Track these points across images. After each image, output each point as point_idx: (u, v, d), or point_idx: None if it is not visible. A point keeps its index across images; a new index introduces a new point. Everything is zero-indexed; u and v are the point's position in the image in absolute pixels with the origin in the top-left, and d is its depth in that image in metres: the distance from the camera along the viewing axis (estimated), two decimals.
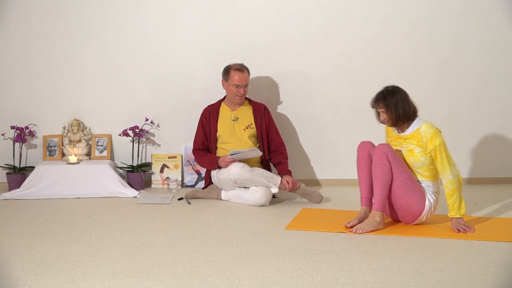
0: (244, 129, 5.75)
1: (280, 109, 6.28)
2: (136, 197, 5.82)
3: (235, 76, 5.67)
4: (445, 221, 4.75)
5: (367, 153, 4.74)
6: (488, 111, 6.26)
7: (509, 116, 6.26)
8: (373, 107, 4.77)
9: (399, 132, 4.80)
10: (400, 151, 4.74)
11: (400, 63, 6.21)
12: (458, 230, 4.54)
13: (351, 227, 4.64)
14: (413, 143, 4.70)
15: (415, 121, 4.72)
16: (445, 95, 6.24)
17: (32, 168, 6.11)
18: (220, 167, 5.63)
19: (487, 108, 6.25)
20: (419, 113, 4.76)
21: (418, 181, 4.71)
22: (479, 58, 6.21)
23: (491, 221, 4.87)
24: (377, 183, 4.60)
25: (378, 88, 4.76)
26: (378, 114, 4.78)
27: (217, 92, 5.96)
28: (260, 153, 5.63)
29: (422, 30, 6.18)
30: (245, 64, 5.77)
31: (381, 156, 4.58)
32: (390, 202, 4.73)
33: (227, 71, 5.74)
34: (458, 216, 4.58)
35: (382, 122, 4.79)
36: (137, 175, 6.13)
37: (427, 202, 4.66)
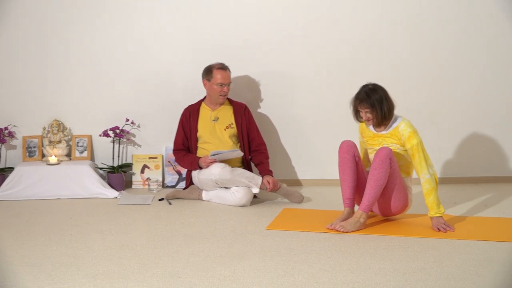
0: (225, 129, 5.74)
1: (261, 109, 6.28)
2: (116, 198, 5.79)
3: (218, 75, 5.66)
4: (425, 221, 4.76)
5: (352, 154, 4.74)
6: (468, 111, 6.27)
7: (489, 116, 6.28)
8: (356, 108, 4.75)
9: (377, 131, 4.81)
10: (376, 150, 4.74)
11: (381, 62, 6.21)
12: (439, 229, 4.55)
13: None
14: (393, 141, 4.73)
15: (393, 119, 4.75)
16: (426, 95, 6.25)
17: (11, 169, 6.06)
18: (201, 168, 5.61)
19: (467, 108, 6.26)
20: (400, 112, 4.80)
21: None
22: (459, 58, 6.22)
23: (471, 220, 4.89)
24: (374, 186, 4.57)
25: (358, 86, 4.76)
26: (356, 113, 4.79)
27: (198, 92, 5.94)
28: (241, 154, 5.63)
29: (402, 30, 6.19)
30: (226, 64, 5.76)
31: (385, 160, 4.56)
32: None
33: (209, 70, 5.73)
34: (438, 215, 4.60)
35: (359, 121, 4.80)
36: (118, 175, 6.10)
37: (409, 199, 4.77)
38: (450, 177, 6.32)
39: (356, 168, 4.75)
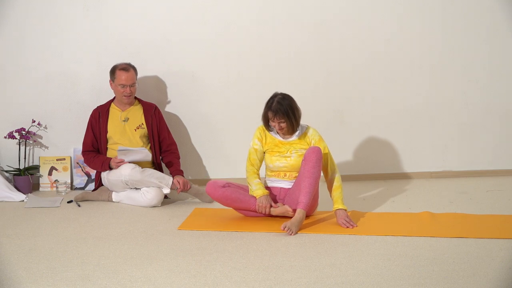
0: (135, 130, 5.69)
1: (171, 109, 6.25)
2: (23, 201, 5.66)
3: (121, 76, 5.61)
4: (333, 218, 4.82)
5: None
6: (378, 110, 6.41)
7: (398, 115, 6.44)
8: (268, 119, 4.77)
9: (285, 138, 4.88)
10: (289, 157, 4.82)
11: (290, 62, 6.28)
12: (344, 223, 4.63)
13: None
14: (301, 147, 4.83)
15: (300, 126, 4.88)
16: (333, 95, 6.34)
17: None
18: (111, 168, 5.54)
19: (377, 107, 6.40)
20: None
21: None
22: (369, 58, 6.35)
23: (379, 216, 4.98)
24: (313, 184, 4.61)
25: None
26: (267, 123, 4.81)
27: (106, 93, 5.88)
28: (149, 157, 5.57)
29: (309, 29, 6.27)
30: (133, 64, 5.72)
31: (321, 158, 4.66)
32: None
33: (113, 71, 5.68)
34: (344, 207, 4.72)
35: (270, 131, 4.84)
36: (24, 178, 5.97)
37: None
38: (358, 174, 6.45)
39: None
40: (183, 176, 5.62)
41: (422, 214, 4.95)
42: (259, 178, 4.89)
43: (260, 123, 4.94)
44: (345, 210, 4.73)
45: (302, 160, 4.71)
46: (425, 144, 6.47)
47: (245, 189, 4.92)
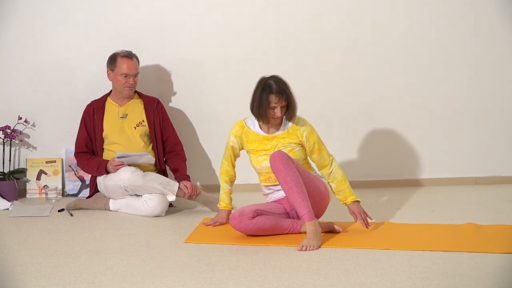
0: (135, 127, 5.71)
1: (175, 103, 6.29)
2: (8, 209, 5.70)
3: (123, 64, 5.63)
4: (360, 228, 4.85)
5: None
6: (414, 109, 6.47)
7: (436, 114, 6.48)
8: (267, 104, 4.76)
9: (270, 132, 4.89)
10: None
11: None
12: (362, 219, 4.75)
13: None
14: (290, 141, 4.86)
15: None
16: (362, 89, 6.37)
17: None
18: (108, 172, 5.56)
19: (414, 106, 6.46)
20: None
21: None
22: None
23: (416, 228, 4.96)
24: (299, 191, 4.56)
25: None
26: (264, 111, 4.79)
27: (103, 86, 5.90)
28: (152, 160, 5.60)
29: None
30: (134, 52, 5.75)
31: (286, 161, 4.61)
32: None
33: (113, 59, 5.69)
34: (357, 199, 4.85)
35: (271, 119, 4.84)
36: (9, 183, 6.02)
37: (325, 183, 4.93)
38: (393, 179, 6.50)
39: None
40: (190, 181, 5.63)
41: (466, 225, 4.93)
42: (230, 182, 5.11)
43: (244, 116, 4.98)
44: (359, 202, 4.82)
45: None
46: (468, 147, 6.50)
47: (275, 208, 4.87)
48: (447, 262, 4.16)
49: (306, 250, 4.43)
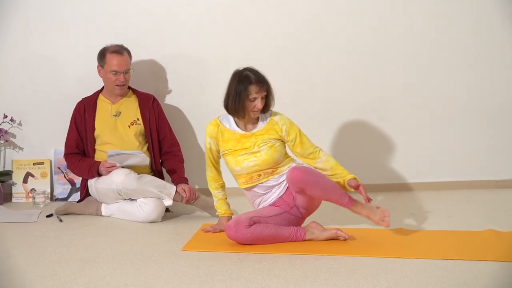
0: (129, 126, 5.69)
1: (171, 100, 6.29)
2: None
3: (113, 61, 5.61)
4: (374, 236, 4.84)
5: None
6: (430, 108, 6.52)
7: (451, 114, 6.52)
8: (246, 96, 4.75)
9: (248, 130, 4.89)
10: (257, 152, 4.82)
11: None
12: (364, 191, 4.79)
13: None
14: (270, 137, 4.87)
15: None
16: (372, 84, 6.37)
17: None
18: (100, 175, 5.53)
19: (428, 105, 6.51)
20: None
21: (277, 174, 4.90)
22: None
23: (432, 234, 4.95)
24: (324, 182, 4.71)
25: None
26: (242, 105, 4.77)
27: (96, 82, 5.87)
28: (147, 160, 5.60)
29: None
30: (127, 46, 5.73)
31: (307, 170, 4.72)
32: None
33: (102, 54, 5.68)
34: (355, 177, 4.89)
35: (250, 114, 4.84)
36: None
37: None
38: (407, 182, 6.54)
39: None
40: (188, 184, 5.61)
41: (485, 232, 4.91)
42: (221, 188, 5.08)
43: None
44: (356, 179, 4.88)
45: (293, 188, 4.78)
46: (488, 147, 6.53)
47: (272, 211, 4.87)
48: (465, 271, 4.12)
49: (387, 220, 4.70)
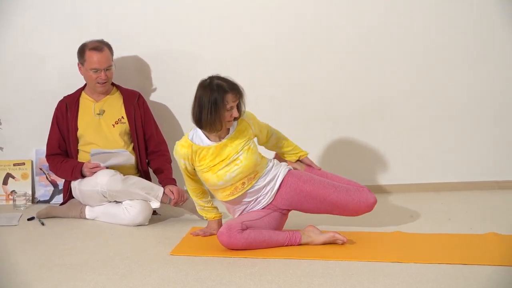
0: (113, 125, 5.70)
1: (157, 97, 6.31)
2: None
3: (92, 58, 5.61)
4: (369, 240, 4.85)
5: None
6: (433, 106, 6.53)
7: (453, 113, 6.54)
8: (223, 106, 4.70)
9: (220, 139, 4.84)
10: (237, 159, 4.81)
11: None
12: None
13: None
14: (243, 139, 4.87)
15: None
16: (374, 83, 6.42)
17: None
18: (84, 176, 5.53)
19: (432, 104, 6.52)
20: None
21: (260, 177, 4.91)
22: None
23: (431, 238, 4.97)
24: (339, 194, 4.93)
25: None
26: (219, 116, 4.72)
27: (79, 79, 5.86)
28: (132, 159, 5.60)
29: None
30: (108, 41, 5.73)
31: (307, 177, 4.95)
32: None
33: (81, 51, 5.68)
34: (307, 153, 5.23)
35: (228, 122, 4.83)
36: None
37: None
38: (407, 183, 6.55)
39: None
40: (176, 185, 5.61)
41: (487, 235, 4.92)
42: (204, 194, 5.07)
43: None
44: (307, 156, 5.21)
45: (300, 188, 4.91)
46: (488, 148, 6.55)
47: (262, 213, 4.91)
48: (466, 277, 4.13)
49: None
